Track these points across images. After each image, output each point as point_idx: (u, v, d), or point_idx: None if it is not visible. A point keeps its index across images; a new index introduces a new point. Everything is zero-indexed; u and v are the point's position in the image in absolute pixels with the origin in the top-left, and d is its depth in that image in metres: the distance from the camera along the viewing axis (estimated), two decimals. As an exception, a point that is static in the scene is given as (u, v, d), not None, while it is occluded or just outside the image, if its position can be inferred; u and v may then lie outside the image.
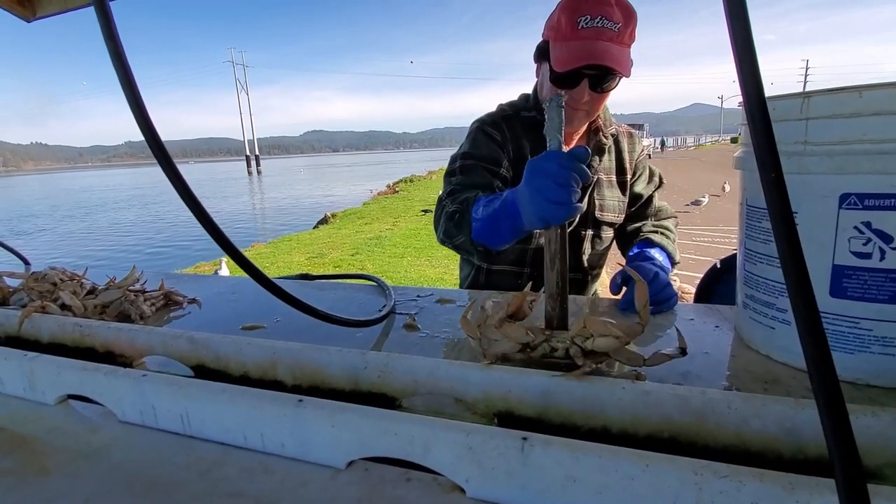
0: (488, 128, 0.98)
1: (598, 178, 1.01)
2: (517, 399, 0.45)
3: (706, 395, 0.39)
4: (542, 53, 0.93)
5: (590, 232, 1.03)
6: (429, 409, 0.51)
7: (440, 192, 0.94)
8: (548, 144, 0.62)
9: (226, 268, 5.07)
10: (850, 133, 0.46)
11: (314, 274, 1.14)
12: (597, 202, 1.01)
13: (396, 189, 17.68)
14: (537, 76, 0.99)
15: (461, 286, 1.17)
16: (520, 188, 0.63)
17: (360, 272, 1.11)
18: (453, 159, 0.98)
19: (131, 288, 0.90)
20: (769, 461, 0.38)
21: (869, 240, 0.46)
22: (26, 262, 1.27)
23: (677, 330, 0.53)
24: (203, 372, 0.60)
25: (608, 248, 1.10)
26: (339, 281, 1.11)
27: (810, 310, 0.25)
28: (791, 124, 0.51)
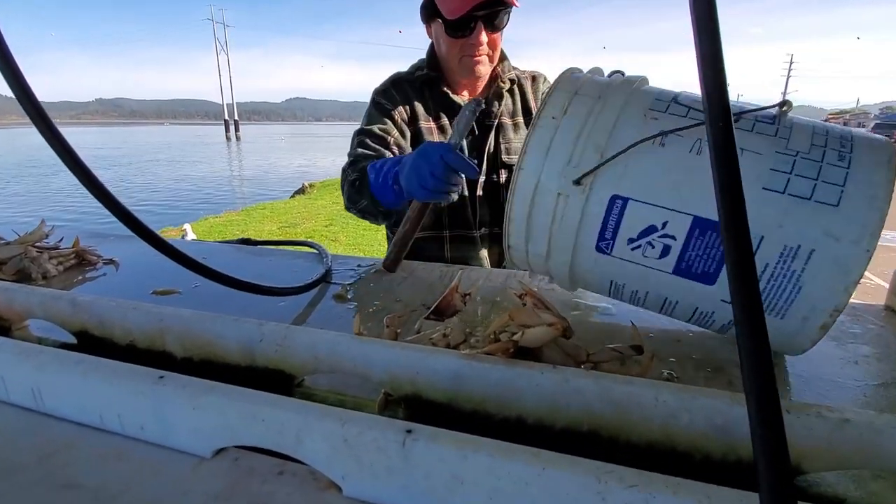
0: (380, 98, 1.01)
1: (499, 122, 1.02)
2: (426, 382, 0.39)
3: (632, 385, 0.34)
4: (429, 11, 0.93)
5: (504, 176, 1.03)
6: (333, 389, 0.46)
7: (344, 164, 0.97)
8: (449, 138, 0.72)
9: (192, 233, 4.88)
10: None
11: (256, 239, 1.06)
12: (502, 146, 1.02)
13: (378, 162, 17.33)
14: (430, 36, 1.00)
15: None
16: (405, 159, 0.73)
17: (304, 240, 1.04)
18: (355, 133, 1.02)
19: (37, 244, 0.80)
20: (696, 462, 0.33)
21: None
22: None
23: (633, 325, 0.48)
24: (87, 339, 0.52)
25: None
26: (283, 248, 1.03)
27: (749, 296, 0.20)
28: None
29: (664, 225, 0.42)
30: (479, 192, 1.01)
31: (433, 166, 0.66)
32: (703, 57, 0.20)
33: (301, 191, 10.23)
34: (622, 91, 0.48)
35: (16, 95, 0.39)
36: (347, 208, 0.95)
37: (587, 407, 0.35)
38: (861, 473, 0.31)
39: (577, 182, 0.44)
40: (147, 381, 0.36)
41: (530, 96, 1.06)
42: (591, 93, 0.49)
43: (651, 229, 0.43)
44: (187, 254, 0.49)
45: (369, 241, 4.84)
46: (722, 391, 0.34)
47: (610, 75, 0.59)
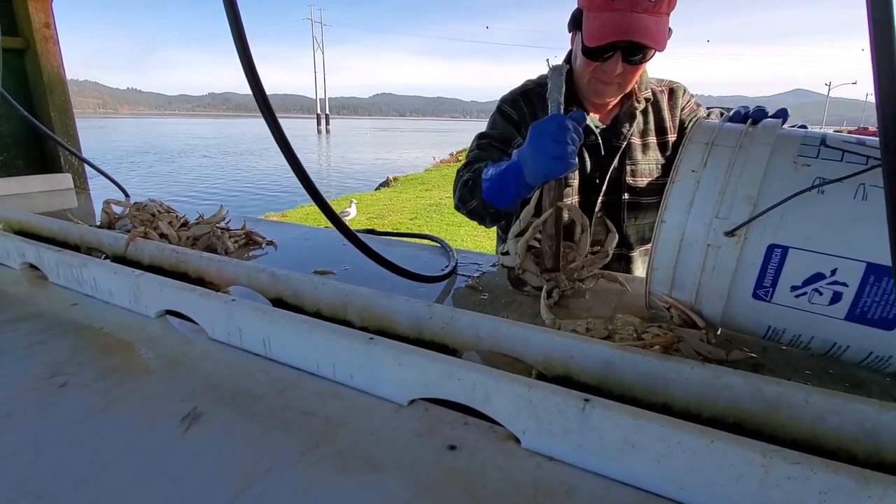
0: (506, 107, 1.04)
1: (629, 143, 1.00)
2: (578, 365, 0.46)
3: (782, 386, 0.38)
4: (576, 23, 0.91)
5: (626, 197, 1.01)
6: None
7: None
8: (549, 108, 0.72)
9: (355, 208, 5.68)
10: None
11: (380, 230, 1.18)
12: (628, 168, 1.00)
13: (459, 158, 17.60)
14: (572, 45, 0.98)
15: None
16: (523, 147, 0.73)
17: (427, 233, 1.14)
18: (476, 137, 1.05)
19: (218, 225, 0.97)
20: (841, 459, 0.36)
21: None
22: (126, 194, 1.40)
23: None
24: (281, 305, 0.65)
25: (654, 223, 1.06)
26: (403, 239, 1.14)
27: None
28: None
29: (833, 272, 0.42)
30: (598, 210, 1.01)
31: (552, 134, 0.67)
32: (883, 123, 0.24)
33: (385, 183, 10.67)
34: (763, 139, 0.48)
35: (253, 93, 0.51)
36: (457, 208, 0.97)
37: (735, 402, 0.40)
38: None
39: (730, 234, 0.45)
40: (361, 340, 0.46)
41: (666, 113, 1.03)
42: (729, 143, 0.49)
43: (818, 276, 0.43)
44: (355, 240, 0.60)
45: (452, 236, 4.98)
46: (870, 399, 0.37)
47: (737, 116, 0.57)
